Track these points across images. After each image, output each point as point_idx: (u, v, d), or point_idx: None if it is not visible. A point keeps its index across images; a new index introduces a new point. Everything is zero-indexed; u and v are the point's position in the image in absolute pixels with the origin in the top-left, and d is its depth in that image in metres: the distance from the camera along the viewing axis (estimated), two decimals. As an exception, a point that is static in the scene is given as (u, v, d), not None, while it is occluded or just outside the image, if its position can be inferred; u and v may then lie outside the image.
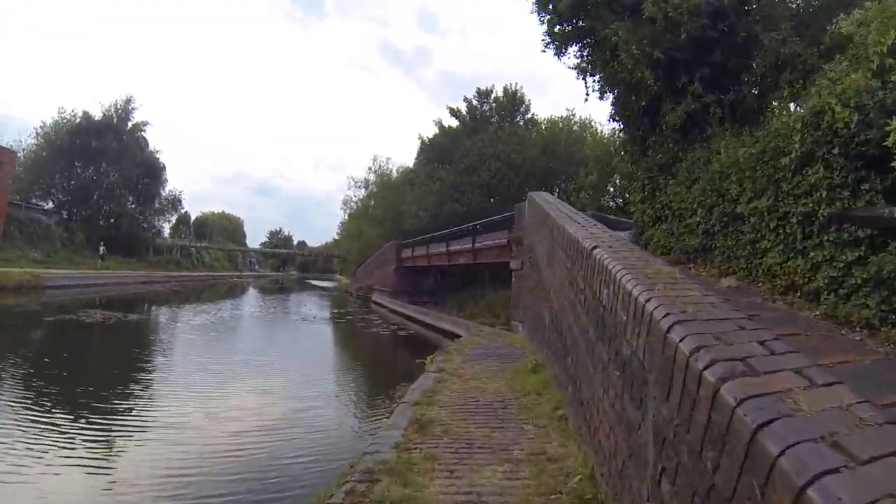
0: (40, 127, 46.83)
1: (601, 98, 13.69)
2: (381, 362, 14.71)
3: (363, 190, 53.21)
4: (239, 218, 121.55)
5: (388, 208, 47.77)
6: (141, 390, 8.94)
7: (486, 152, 31.86)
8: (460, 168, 32.61)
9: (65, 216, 46.24)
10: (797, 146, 5.43)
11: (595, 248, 3.77)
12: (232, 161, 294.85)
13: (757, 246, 5.96)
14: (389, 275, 34.23)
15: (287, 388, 9.87)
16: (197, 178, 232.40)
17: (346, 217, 56.06)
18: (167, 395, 8.72)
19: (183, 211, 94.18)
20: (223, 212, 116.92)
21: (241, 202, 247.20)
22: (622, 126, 11.87)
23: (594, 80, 13.01)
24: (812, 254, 5.13)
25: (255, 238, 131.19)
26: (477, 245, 19.26)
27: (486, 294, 22.47)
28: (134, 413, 7.48)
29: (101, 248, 40.95)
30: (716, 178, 7.04)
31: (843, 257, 4.78)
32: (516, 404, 5.45)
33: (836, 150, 5.07)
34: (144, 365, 11.21)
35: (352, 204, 54.17)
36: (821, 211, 5.12)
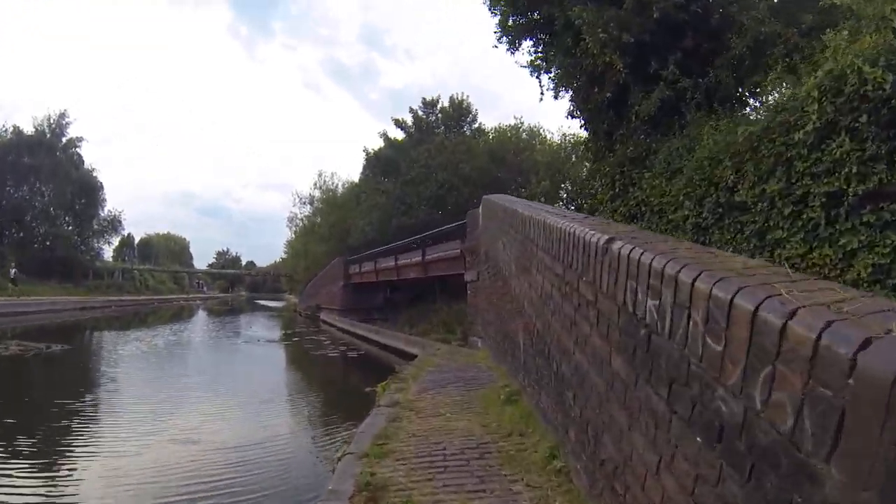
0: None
1: (556, 97, 12.91)
2: (329, 390, 13.20)
3: (308, 206, 51.22)
4: (185, 239, 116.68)
5: (333, 224, 46.04)
6: (33, 447, 7.28)
7: (432, 163, 30.81)
8: (406, 180, 31.43)
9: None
10: (814, 117, 4.54)
11: (611, 240, 2.67)
12: (178, 182, 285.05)
13: (767, 238, 5.04)
14: (337, 292, 32.62)
15: (218, 432, 8.35)
16: (142, 198, 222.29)
17: (292, 235, 53.79)
18: (68, 448, 7.14)
19: (125, 233, 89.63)
20: (168, 233, 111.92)
21: (189, 223, 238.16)
22: (584, 122, 11.06)
23: (549, 78, 12.25)
24: (844, 240, 4.22)
25: (203, 259, 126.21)
26: (427, 258, 18.10)
27: (439, 308, 21.29)
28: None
29: (13, 271, 37.36)
30: (704, 166, 6.15)
31: (890, 241, 3.90)
32: (496, 451, 4.25)
33: (864, 118, 4.19)
34: (52, 408, 9.42)
35: (297, 221, 52.00)
36: (851, 189, 4.22)
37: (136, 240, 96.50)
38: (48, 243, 45.23)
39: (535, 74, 12.26)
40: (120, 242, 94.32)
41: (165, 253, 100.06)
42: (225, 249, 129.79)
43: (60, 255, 44.73)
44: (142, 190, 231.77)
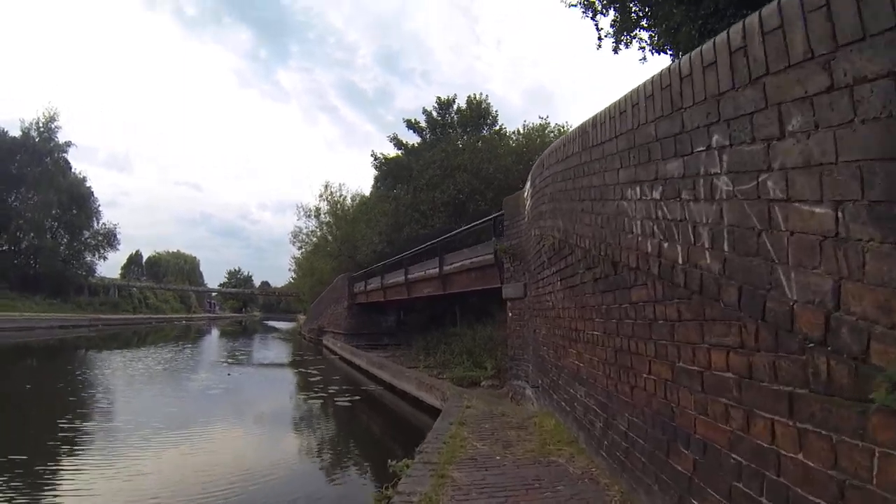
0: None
1: (619, 43, 10.68)
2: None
3: (314, 220, 47.43)
4: (195, 257, 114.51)
5: (342, 240, 42.34)
6: None
7: (450, 163, 26.88)
8: (420, 184, 27.48)
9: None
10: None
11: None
12: (197, 202, 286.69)
13: None
14: (341, 314, 28.54)
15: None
16: (160, 221, 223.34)
17: (297, 251, 49.91)
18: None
19: (134, 250, 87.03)
20: (178, 251, 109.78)
21: (207, 244, 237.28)
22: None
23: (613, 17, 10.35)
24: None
25: (217, 279, 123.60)
26: (447, 268, 13.91)
27: (461, 334, 17.12)
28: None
29: None
30: None
31: None
32: None
33: None
34: None
35: (302, 236, 48.25)
36: None
37: (145, 257, 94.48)
38: (32, 255, 41.84)
39: (590, 15, 10.73)
40: (128, 260, 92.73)
41: (175, 271, 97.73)
42: (237, 269, 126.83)
43: (49, 268, 41.57)
44: (159, 211, 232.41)
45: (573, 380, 5.42)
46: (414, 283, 17.25)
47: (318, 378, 16.11)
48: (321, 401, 12.50)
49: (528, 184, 8.52)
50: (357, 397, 13.11)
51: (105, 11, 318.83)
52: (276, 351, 30.37)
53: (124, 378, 16.09)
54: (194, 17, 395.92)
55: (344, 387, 14.44)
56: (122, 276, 78.76)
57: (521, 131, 32.50)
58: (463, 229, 13.47)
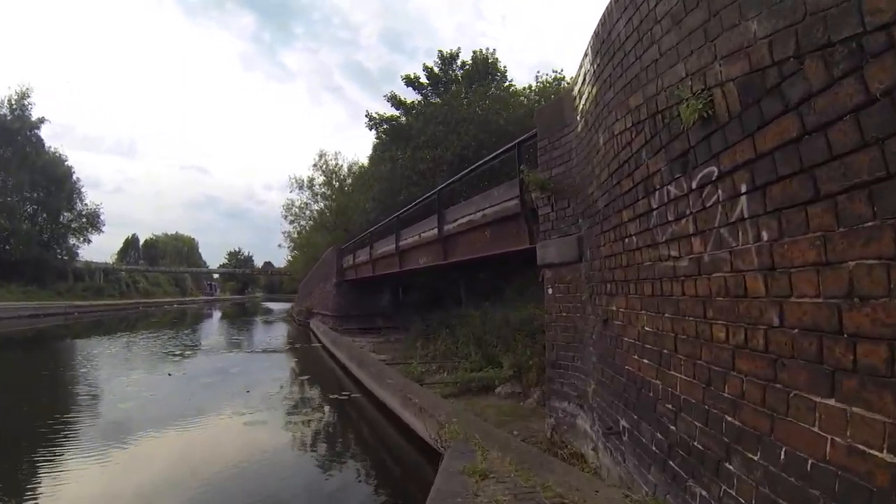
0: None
1: None
2: None
3: (307, 191, 43.58)
4: (193, 239, 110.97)
5: (338, 212, 38.56)
6: None
7: (454, 117, 22.90)
8: (420, 142, 23.53)
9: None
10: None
11: None
12: (203, 187, 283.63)
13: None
14: (329, 293, 24.80)
15: None
16: (166, 204, 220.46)
17: (289, 225, 45.98)
18: None
19: (131, 234, 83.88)
20: (176, 233, 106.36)
21: (214, 227, 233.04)
22: None
23: None
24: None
25: (220, 261, 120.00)
26: (449, 227, 10.01)
27: (467, 317, 13.42)
28: None
29: None
30: None
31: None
32: None
33: None
34: None
35: (295, 210, 44.41)
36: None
37: (141, 241, 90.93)
38: (6, 241, 38.35)
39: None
40: (124, 244, 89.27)
41: (174, 253, 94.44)
42: (237, 249, 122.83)
43: (25, 253, 38.12)
44: (165, 196, 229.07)
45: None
46: (407, 250, 13.40)
47: (283, 377, 12.34)
48: (261, 426, 8.46)
49: (588, 56, 4.67)
50: (319, 415, 9.32)
51: (103, 4, 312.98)
52: (256, 337, 26.63)
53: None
54: (196, 3, 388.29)
55: (308, 394, 10.72)
56: (119, 260, 75.56)
57: (534, 87, 28.16)
58: (471, 169, 9.55)
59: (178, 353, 17.94)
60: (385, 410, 7.94)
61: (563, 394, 5.63)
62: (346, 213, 35.57)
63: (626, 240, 3.87)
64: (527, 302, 12.70)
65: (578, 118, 5.38)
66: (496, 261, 10.69)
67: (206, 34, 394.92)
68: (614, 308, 4.27)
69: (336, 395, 10.13)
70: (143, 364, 15.11)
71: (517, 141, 7.27)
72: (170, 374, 12.66)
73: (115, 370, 13.76)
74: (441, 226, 10.30)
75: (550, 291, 5.83)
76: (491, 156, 8.57)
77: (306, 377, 13.05)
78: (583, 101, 5.11)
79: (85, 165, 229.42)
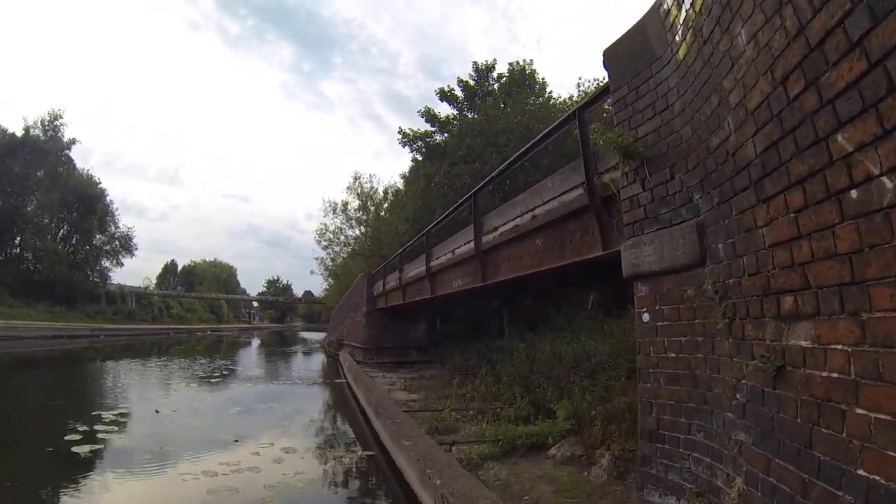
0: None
1: None
2: None
3: (341, 216, 42.26)
4: (231, 266, 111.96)
5: (374, 238, 37.01)
6: None
7: (493, 129, 21.13)
8: (457, 157, 21.80)
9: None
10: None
11: None
12: (245, 215, 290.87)
13: None
14: (359, 322, 22.89)
15: None
16: (209, 231, 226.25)
17: (322, 251, 44.40)
18: None
19: (169, 260, 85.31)
20: (215, 260, 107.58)
21: (255, 255, 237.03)
22: None
23: None
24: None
25: (260, 289, 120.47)
26: (489, 238, 7.96)
27: (511, 349, 11.30)
28: None
29: None
30: None
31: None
32: None
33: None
34: None
35: (328, 235, 43.03)
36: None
37: (179, 267, 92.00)
38: (35, 261, 38.33)
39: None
40: (163, 269, 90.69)
41: (211, 280, 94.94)
42: (276, 277, 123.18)
43: (53, 274, 37.92)
44: (208, 224, 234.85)
45: None
46: (439, 272, 11.40)
47: (290, 428, 10.08)
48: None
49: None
50: (320, 489, 7.15)
51: (148, 36, 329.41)
52: (278, 369, 24.87)
53: None
54: (237, 35, 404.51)
55: (315, 450, 8.39)
56: (158, 285, 76.20)
57: (575, 97, 26.00)
58: (519, 156, 7.54)
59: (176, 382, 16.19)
60: (400, 479, 5.82)
61: (670, 484, 3.46)
62: (381, 239, 34.10)
63: (829, 205, 1.83)
64: (577, 332, 10.46)
65: (679, 37, 3.38)
66: (545, 282, 8.60)
67: (247, 66, 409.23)
68: (803, 343, 2.17)
69: (348, 454, 7.96)
70: (148, 392, 13.41)
71: (576, 107, 5.28)
72: (157, 412, 10.76)
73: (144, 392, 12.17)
74: (478, 237, 8.27)
75: (647, 318, 3.72)
76: (544, 132, 6.56)
77: (324, 424, 11.01)
78: (687, 5, 3.12)
79: (131, 193, 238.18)
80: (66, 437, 7.87)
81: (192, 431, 9.17)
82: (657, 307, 3.63)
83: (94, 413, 9.78)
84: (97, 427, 8.71)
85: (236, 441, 8.26)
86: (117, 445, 7.81)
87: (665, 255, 3.48)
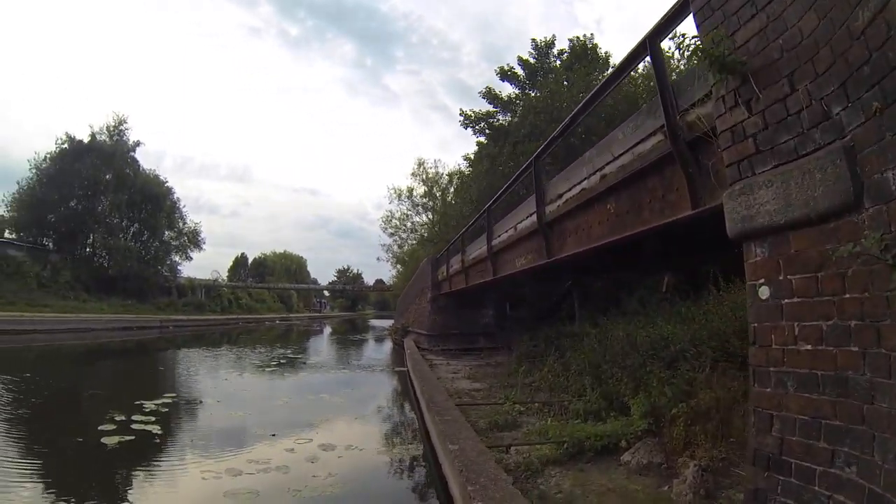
0: (39, 158, 40.99)
1: None
2: None
3: (407, 202, 42.01)
4: (301, 257, 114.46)
5: (439, 222, 36.44)
6: None
7: (556, 104, 19.93)
8: (521, 135, 20.78)
9: (54, 252, 40.01)
10: None
11: None
12: (315, 208, 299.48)
13: None
14: (425, 309, 22.30)
15: None
16: (280, 225, 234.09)
17: (388, 238, 44.35)
18: None
19: (240, 252, 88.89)
20: (285, 251, 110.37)
21: (326, 246, 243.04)
22: None
23: None
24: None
25: (328, 278, 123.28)
26: (552, 208, 6.97)
27: (582, 334, 10.25)
28: None
29: None
30: None
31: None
32: None
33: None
34: None
35: (395, 222, 42.90)
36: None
37: (251, 259, 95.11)
38: (106, 257, 40.66)
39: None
40: (234, 262, 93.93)
41: (281, 271, 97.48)
42: (346, 267, 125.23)
43: (124, 269, 40.16)
44: (279, 218, 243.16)
45: None
46: (501, 251, 10.49)
47: (334, 422, 9.35)
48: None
49: None
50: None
51: (210, 46, 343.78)
52: (341, 356, 24.74)
53: None
54: (298, 37, 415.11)
55: (356, 448, 7.44)
56: (230, 277, 79.12)
57: (640, 70, 23.81)
58: (589, 98, 6.30)
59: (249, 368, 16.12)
60: (449, 494, 4.98)
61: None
62: (448, 224, 33.55)
63: None
64: (652, 317, 9.22)
65: None
66: (616, 261, 7.52)
67: (310, 65, 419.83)
68: None
69: (392, 454, 7.20)
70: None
71: (647, 35, 4.21)
72: (200, 402, 10.56)
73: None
74: (541, 207, 7.30)
75: (766, 293, 2.70)
76: (612, 72, 5.52)
77: (381, 416, 10.44)
78: None
79: (204, 192, 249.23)
80: (99, 427, 7.66)
81: (232, 423, 8.84)
82: (782, 277, 2.60)
83: (136, 402, 9.57)
84: (134, 417, 8.50)
85: (273, 435, 7.79)
86: (147, 438, 7.46)
87: (794, 199, 2.46)
